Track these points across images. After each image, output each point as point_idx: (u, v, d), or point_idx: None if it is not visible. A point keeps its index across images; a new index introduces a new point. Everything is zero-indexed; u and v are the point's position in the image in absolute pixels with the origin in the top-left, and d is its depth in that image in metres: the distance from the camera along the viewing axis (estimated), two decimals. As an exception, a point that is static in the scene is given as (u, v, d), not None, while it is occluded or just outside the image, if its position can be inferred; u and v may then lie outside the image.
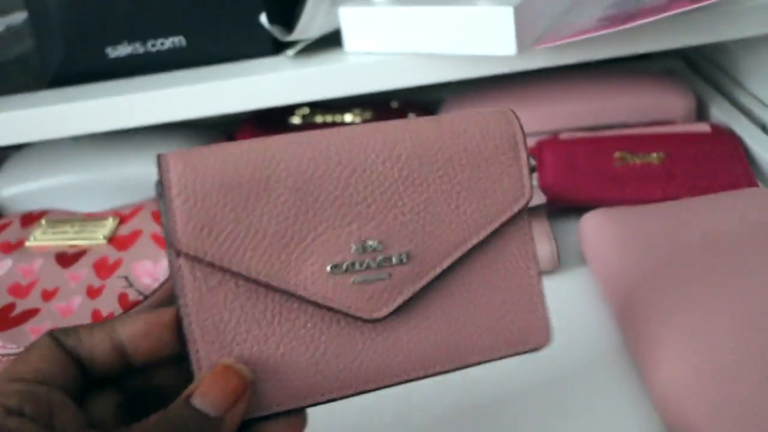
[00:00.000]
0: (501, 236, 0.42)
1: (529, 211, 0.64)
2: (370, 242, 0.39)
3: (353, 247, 0.39)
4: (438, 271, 0.40)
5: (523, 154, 0.42)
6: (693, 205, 0.61)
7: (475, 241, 0.41)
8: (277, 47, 0.71)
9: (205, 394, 0.35)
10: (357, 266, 0.39)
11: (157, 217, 0.68)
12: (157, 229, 0.67)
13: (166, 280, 0.62)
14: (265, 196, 0.38)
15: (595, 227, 0.61)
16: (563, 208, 0.70)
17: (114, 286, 0.61)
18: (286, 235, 0.38)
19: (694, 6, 0.59)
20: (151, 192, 0.80)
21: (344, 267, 0.39)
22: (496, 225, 0.42)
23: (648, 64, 0.92)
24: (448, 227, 0.41)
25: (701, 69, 0.91)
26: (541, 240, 0.63)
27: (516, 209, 0.42)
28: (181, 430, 0.34)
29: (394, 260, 0.39)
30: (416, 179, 0.40)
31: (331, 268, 0.38)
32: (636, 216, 0.60)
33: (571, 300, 0.60)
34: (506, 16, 0.61)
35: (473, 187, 0.41)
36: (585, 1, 0.71)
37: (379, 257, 0.39)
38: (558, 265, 0.63)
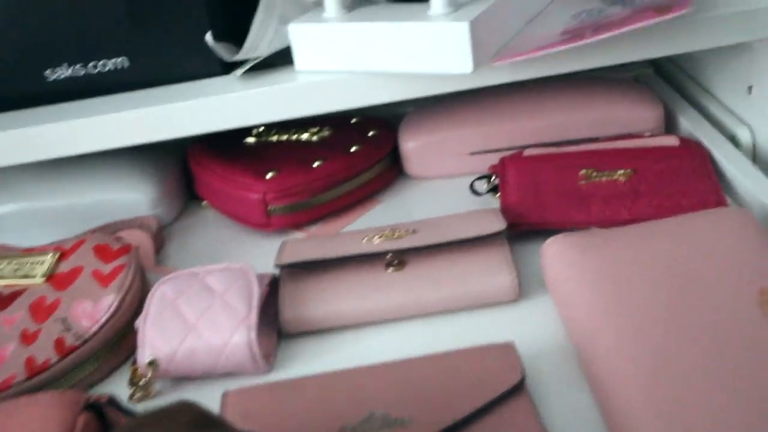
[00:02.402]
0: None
1: (488, 238, 0.62)
2: None
3: None
4: None
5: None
6: (658, 230, 0.58)
7: None
8: (227, 67, 0.68)
9: None
10: None
11: (99, 251, 0.65)
12: (100, 265, 0.63)
13: (106, 322, 0.58)
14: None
15: (557, 254, 0.58)
16: (527, 231, 0.67)
17: (51, 330, 0.58)
18: None
19: (660, 19, 0.56)
20: (95, 221, 0.76)
21: None
22: None
23: (616, 71, 0.89)
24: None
25: (671, 76, 0.88)
26: (501, 269, 0.60)
27: None
28: None
29: None
30: None
31: None
32: (599, 242, 0.57)
33: (531, 332, 0.58)
34: (461, 31, 0.58)
35: None
36: (547, 13, 0.68)
37: None
38: (519, 295, 0.60)
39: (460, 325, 0.60)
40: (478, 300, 0.60)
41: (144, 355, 0.56)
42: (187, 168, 0.82)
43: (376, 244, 0.63)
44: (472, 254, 0.62)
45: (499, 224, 0.62)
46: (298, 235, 0.75)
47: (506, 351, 0.52)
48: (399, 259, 0.62)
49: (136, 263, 0.65)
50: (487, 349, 0.52)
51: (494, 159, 0.76)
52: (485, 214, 0.65)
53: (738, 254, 0.54)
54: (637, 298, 0.52)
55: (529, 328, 0.58)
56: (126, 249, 0.66)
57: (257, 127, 0.83)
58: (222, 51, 0.65)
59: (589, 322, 0.52)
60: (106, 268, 0.64)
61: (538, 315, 0.59)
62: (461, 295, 0.60)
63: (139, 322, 0.59)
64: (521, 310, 0.60)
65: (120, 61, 0.68)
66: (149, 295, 0.60)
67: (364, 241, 0.63)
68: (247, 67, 0.66)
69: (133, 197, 0.77)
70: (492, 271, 0.60)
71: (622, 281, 0.53)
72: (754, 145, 0.72)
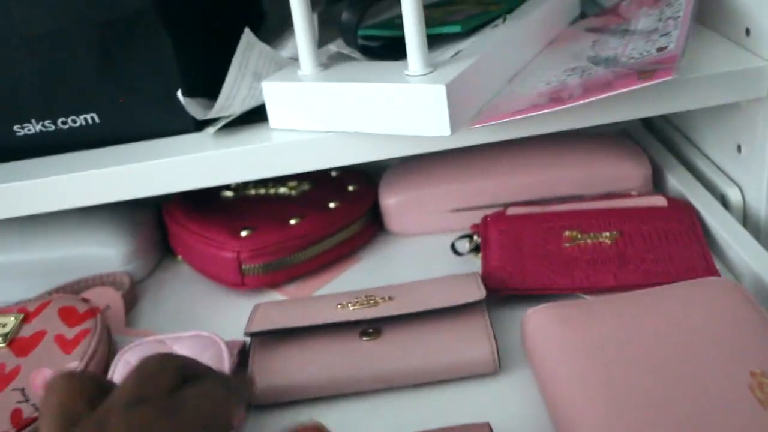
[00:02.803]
0: None
1: (467, 307, 0.59)
2: None
3: None
4: None
5: None
6: (645, 301, 0.55)
7: None
8: (200, 124, 0.66)
9: None
10: None
11: (64, 314, 0.62)
12: (64, 329, 0.61)
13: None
14: None
15: (537, 328, 0.56)
16: (509, 296, 0.64)
17: (7, 400, 0.55)
18: None
19: (643, 85, 0.54)
20: (65, 277, 0.74)
21: None
22: None
23: (604, 124, 0.87)
24: None
25: (660, 129, 0.86)
26: (480, 340, 0.57)
27: None
28: None
29: None
30: None
31: None
32: (582, 314, 0.55)
33: (511, 408, 0.55)
34: (438, 94, 0.56)
35: None
36: (529, 72, 0.66)
37: None
38: (498, 368, 0.57)
39: (436, 398, 0.57)
40: (456, 372, 0.58)
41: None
42: (163, 221, 0.80)
43: (351, 311, 0.60)
44: (450, 324, 0.59)
45: (478, 292, 0.60)
46: (275, 294, 0.72)
47: None
48: (374, 327, 0.60)
49: (101, 327, 0.62)
50: (463, 430, 0.50)
51: (477, 216, 0.74)
52: (465, 280, 0.62)
53: (728, 332, 0.51)
54: (622, 376, 0.49)
55: (508, 403, 0.55)
56: (92, 312, 0.63)
57: (236, 180, 0.81)
58: (194, 108, 0.63)
59: (570, 401, 0.50)
60: (70, 333, 0.61)
61: (519, 389, 0.56)
62: (438, 368, 0.57)
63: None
64: (501, 383, 0.57)
65: (90, 117, 0.66)
66: (113, 364, 0.58)
67: (338, 307, 0.61)
68: (220, 125, 0.64)
69: (105, 252, 0.75)
70: (470, 342, 0.58)
71: (605, 358, 0.51)
72: (744, 206, 0.70)
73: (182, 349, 0.58)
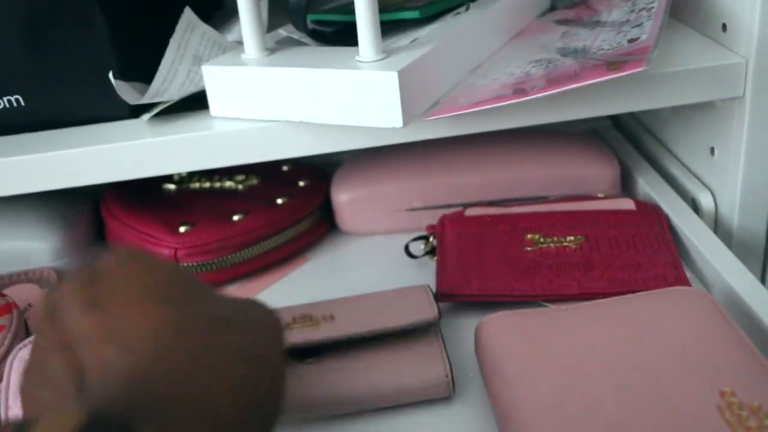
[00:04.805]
0: None
1: (420, 328, 0.54)
2: None
3: None
4: None
5: None
6: (610, 311, 0.51)
7: None
8: (136, 110, 0.60)
9: None
10: None
11: None
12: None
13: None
14: None
15: (493, 336, 0.51)
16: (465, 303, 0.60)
17: None
18: None
19: (612, 77, 0.50)
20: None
21: None
22: None
23: (571, 123, 0.83)
24: None
25: (630, 130, 0.82)
26: (433, 362, 0.52)
27: None
28: None
29: None
30: None
31: None
32: (543, 322, 0.51)
33: None
34: (389, 82, 0.51)
35: None
36: (492, 63, 0.62)
37: None
38: (452, 390, 0.52)
39: (385, 426, 0.52)
40: (406, 397, 0.52)
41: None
42: (100, 214, 0.74)
43: (290, 333, 0.54)
44: (398, 344, 0.54)
45: (431, 310, 0.54)
46: (215, 295, 0.67)
47: None
48: (314, 351, 0.54)
49: (17, 325, 0.57)
50: None
51: (434, 216, 0.69)
52: (417, 294, 0.57)
53: (698, 346, 0.47)
54: (581, 394, 0.45)
55: (463, 429, 0.50)
56: (7, 308, 0.58)
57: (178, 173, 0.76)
58: (126, 92, 0.58)
59: (522, 420, 0.45)
60: (-17, 331, 0.56)
61: (475, 413, 0.51)
62: (386, 392, 0.52)
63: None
64: (455, 407, 0.52)
65: (13, 99, 0.60)
66: (7, 363, 0.53)
67: None
68: (155, 111, 0.59)
69: (32, 246, 0.69)
70: (422, 363, 0.52)
71: (564, 373, 0.46)
72: (716, 212, 0.66)
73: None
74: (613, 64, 0.51)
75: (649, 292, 0.53)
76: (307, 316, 0.55)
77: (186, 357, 0.34)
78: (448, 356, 0.53)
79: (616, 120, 0.85)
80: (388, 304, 0.56)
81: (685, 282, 0.58)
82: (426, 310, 0.55)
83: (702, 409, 0.43)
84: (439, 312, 0.55)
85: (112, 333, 0.33)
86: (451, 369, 0.52)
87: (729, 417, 0.42)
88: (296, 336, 0.53)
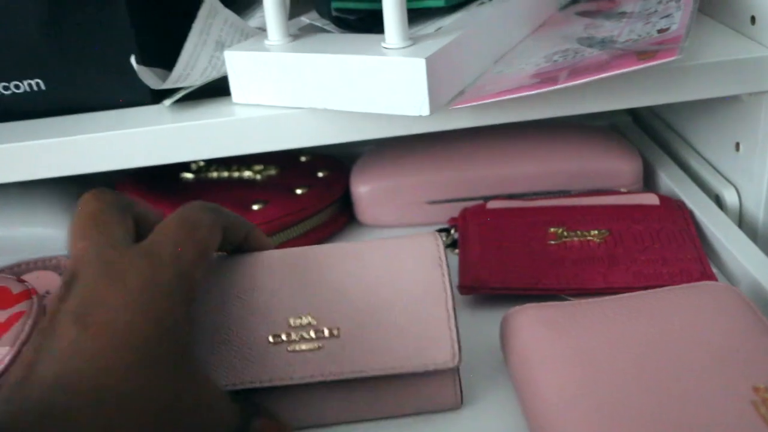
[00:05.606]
0: None
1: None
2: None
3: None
4: None
5: None
6: (636, 305, 0.50)
7: None
8: (157, 96, 0.60)
9: None
10: None
11: None
12: None
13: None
14: None
15: (521, 327, 0.50)
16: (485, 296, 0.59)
17: None
18: None
19: (643, 66, 0.49)
20: (2, 260, 0.68)
21: None
22: None
23: (590, 117, 0.82)
24: None
25: (651, 126, 0.81)
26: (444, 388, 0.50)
27: None
28: None
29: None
30: None
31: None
32: (569, 316, 0.50)
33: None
34: (417, 69, 0.50)
35: None
36: (517, 52, 0.61)
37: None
38: (460, 403, 0.50)
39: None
40: (413, 408, 0.50)
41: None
42: (117, 203, 0.73)
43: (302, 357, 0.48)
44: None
45: (450, 355, 0.47)
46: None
47: None
48: None
49: (37, 310, 0.57)
50: None
51: (455, 209, 0.69)
52: (434, 329, 0.48)
53: (729, 341, 0.46)
54: (612, 389, 0.44)
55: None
56: (27, 294, 0.57)
57: (196, 161, 0.76)
58: (148, 77, 0.57)
59: (552, 411, 0.44)
60: (2, 316, 0.55)
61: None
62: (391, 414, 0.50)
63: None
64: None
65: (35, 83, 0.60)
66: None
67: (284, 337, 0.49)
68: (177, 96, 0.58)
69: (49, 233, 0.69)
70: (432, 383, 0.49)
71: (594, 367, 0.46)
72: (740, 208, 0.65)
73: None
74: (644, 53, 0.50)
75: (676, 286, 0.52)
76: (307, 326, 0.49)
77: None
78: (460, 379, 0.50)
79: (636, 115, 0.85)
80: (402, 332, 0.48)
81: (711, 277, 0.57)
82: (445, 352, 0.48)
83: (736, 405, 0.42)
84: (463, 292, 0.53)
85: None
86: (460, 382, 0.50)
87: (765, 412, 0.42)
88: (294, 368, 0.48)
